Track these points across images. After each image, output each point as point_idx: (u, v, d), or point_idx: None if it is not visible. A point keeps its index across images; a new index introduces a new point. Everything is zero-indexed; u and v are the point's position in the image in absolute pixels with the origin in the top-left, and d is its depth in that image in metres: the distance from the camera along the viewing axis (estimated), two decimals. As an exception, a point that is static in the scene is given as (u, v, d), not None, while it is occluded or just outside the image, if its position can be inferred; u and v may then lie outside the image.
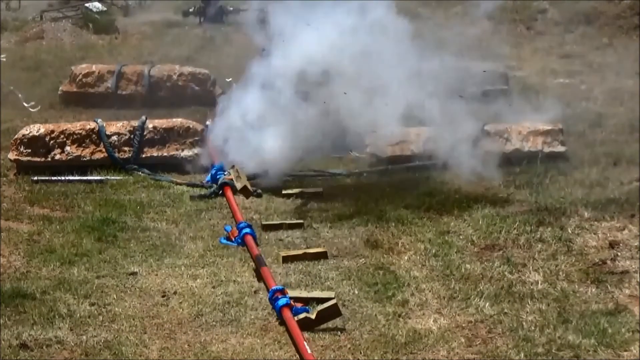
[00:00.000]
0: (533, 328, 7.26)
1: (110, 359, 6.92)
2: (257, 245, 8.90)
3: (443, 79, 11.17)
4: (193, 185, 10.82)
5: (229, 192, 10.27)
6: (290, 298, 7.61)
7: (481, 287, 7.98)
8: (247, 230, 9.03)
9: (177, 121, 11.73)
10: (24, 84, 15.64)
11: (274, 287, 7.70)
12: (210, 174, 10.88)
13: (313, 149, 11.03)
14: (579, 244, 8.87)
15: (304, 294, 7.84)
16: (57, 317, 7.46)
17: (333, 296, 7.67)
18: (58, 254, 8.74)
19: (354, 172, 11.30)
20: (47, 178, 10.92)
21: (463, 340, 7.15)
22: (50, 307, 7.62)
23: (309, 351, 6.83)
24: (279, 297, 7.56)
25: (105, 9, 21.26)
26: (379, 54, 10.63)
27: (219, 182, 10.49)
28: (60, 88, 14.63)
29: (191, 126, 11.58)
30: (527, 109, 12.70)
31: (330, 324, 7.38)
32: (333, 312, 7.41)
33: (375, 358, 6.93)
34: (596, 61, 16.97)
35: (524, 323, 7.35)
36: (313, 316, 7.37)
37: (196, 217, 9.84)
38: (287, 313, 7.36)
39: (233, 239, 9.07)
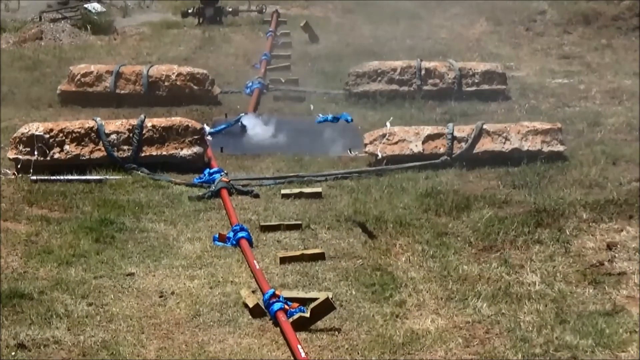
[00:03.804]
0: (530, 329, 7.28)
1: (108, 359, 6.92)
2: (252, 247, 8.93)
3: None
4: (192, 185, 10.81)
5: (225, 195, 10.26)
6: (286, 299, 7.61)
7: (479, 288, 7.99)
8: (243, 234, 9.04)
9: (176, 120, 11.71)
10: (22, 83, 15.64)
11: (268, 292, 7.69)
12: (203, 175, 10.90)
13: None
14: (576, 246, 8.89)
15: (301, 294, 7.84)
16: (54, 317, 7.46)
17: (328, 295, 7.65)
18: (56, 255, 8.73)
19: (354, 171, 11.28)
20: (46, 177, 10.91)
21: (460, 340, 7.15)
22: (48, 307, 7.62)
23: (303, 354, 6.82)
24: (274, 301, 7.55)
25: (104, 9, 21.27)
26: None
27: (216, 184, 10.48)
28: (59, 87, 14.62)
29: (190, 125, 11.56)
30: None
31: (327, 325, 7.38)
32: (326, 307, 7.40)
33: (373, 358, 6.93)
34: (595, 62, 16.98)
35: (521, 324, 7.36)
36: (307, 314, 7.37)
37: (194, 218, 9.84)
38: (281, 317, 7.37)
39: (226, 241, 9.08)
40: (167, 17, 22.22)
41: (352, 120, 10.80)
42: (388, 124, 11.69)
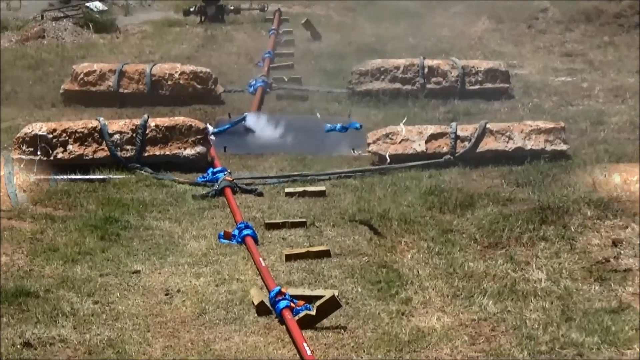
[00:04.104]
0: (536, 326, 7.27)
1: (114, 357, 6.92)
2: (258, 244, 8.93)
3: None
4: (195, 184, 10.81)
5: (229, 193, 10.27)
6: (292, 296, 7.61)
7: (484, 285, 7.98)
8: (248, 231, 9.05)
9: (179, 119, 11.72)
10: (25, 82, 15.64)
11: (274, 289, 7.70)
12: (207, 174, 10.90)
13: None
14: (582, 243, 8.88)
15: (306, 292, 7.84)
16: (60, 315, 7.46)
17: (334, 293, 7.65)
18: (61, 253, 8.73)
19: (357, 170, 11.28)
20: (49, 177, 10.90)
21: (466, 338, 7.15)
22: (54, 305, 7.62)
23: (309, 352, 6.83)
24: (280, 299, 7.56)
25: (106, 8, 21.30)
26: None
27: (220, 182, 10.49)
28: (62, 87, 14.62)
29: (193, 125, 11.56)
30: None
31: (333, 322, 7.38)
32: (332, 305, 7.40)
33: (379, 356, 6.93)
34: (597, 59, 16.98)
35: (527, 321, 7.35)
36: (313, 312, 7.37)
37: (199, 216, 9.84)
38: (287, 315, 7.37)
39: (231, 239, 9.09)
40: (169, 15, 22.24)
41: (361, 127, 10.74)
42: (402, 125, 11.64)
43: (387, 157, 11.30)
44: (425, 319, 7.47)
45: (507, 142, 11.46)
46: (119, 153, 11.28)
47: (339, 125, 10.85)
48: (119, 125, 11.52)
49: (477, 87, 14.50)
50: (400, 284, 8.04)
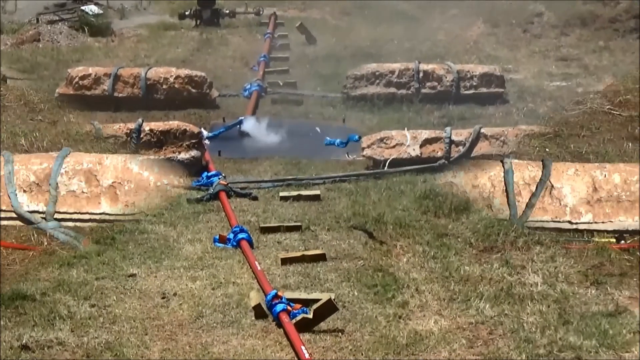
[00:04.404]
0: (534, 329, 7.29)
1: (112, 360, 6.93)
2: (253, 248, 8.93)
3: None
4: (190, 188, 10.78)
5: (224, 197, 10.26)
6: (289, 300, 7.61)
7: (481, 289, 7.99)
8: (243, 235, 9.04)
9: (174, 124, 11.71)
10: (20, 86, 15.59)
11: (270, 293, 7.70)
12: (201, 178, 10.89)
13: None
14: (577, 246, 8.88)
15: (303, 295, 7.83)
16: (57, 318, 7.46)
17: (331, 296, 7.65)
18: (57, 256, 8.72)
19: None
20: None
21: (464, 341, 7.16)
22: (51, 308, 7.61)
23: (307, 355, 6.83)
24: (276, 302, 7.56)
25: (101, 11, 21.27)
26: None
27: (215, 186, 10.48)
28: (57, 90, 14.59)
29: (188, 129, 11.56)
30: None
31: (331, 326, 7.38)
32: (329, 308, 7.41)
33: (377, 359, 6.93)
34: (592, 64, 16.99)
35: (524, 324, 7.37)
36: (310, 315, 7.37)
37: (194, 220, 9.82)
38: (284, 318, 7.38)
39: (227, 242, 9.08)
40: (165, 19, 22.22)
41: (359, 138, 10.84)
42: (407, 132, 11.65)
43: (387, 164, 11.27)
44: (422, 322, 7.48)
45: (502, 147, 11.47)
46: (114, 157, 11.27)
47: (337, 140, 11.01)
48: (113, 129, 11.53)
49: (472, 91, 14.52)
50: (397, 288, 8.04)
